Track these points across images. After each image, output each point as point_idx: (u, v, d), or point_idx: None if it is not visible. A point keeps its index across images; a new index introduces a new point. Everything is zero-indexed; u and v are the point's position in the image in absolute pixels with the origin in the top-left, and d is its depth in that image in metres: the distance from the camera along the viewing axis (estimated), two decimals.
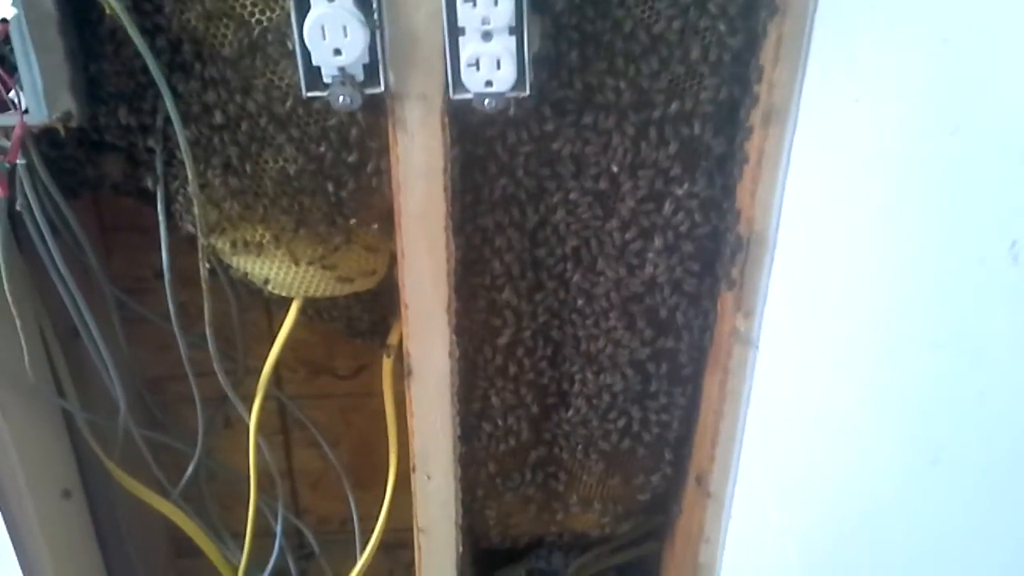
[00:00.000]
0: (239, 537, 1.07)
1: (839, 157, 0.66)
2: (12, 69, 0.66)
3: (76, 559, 0.96)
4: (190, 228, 0.78)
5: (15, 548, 0.86)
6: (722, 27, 0.70)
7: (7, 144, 0.67)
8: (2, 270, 0.75)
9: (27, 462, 0.83)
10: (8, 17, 0.61)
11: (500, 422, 0.88)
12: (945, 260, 0.54)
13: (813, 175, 0.70)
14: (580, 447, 0.91)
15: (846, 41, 0.64)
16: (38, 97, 0.67)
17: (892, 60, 0.58)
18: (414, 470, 0.86)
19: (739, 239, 0.76)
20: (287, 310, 0.85)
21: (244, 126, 0.72)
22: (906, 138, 0.57)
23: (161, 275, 0.81)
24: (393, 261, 0.83)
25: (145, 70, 0.68)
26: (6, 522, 0.83)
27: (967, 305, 0.52)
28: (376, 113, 0.71)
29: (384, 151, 0.73)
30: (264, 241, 0.78)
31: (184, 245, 0.81)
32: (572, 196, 0.77)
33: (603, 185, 0.76)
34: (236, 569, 1.05)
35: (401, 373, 0.85)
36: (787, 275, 0.75)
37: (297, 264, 0.79)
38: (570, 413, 0.88)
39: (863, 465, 0.66)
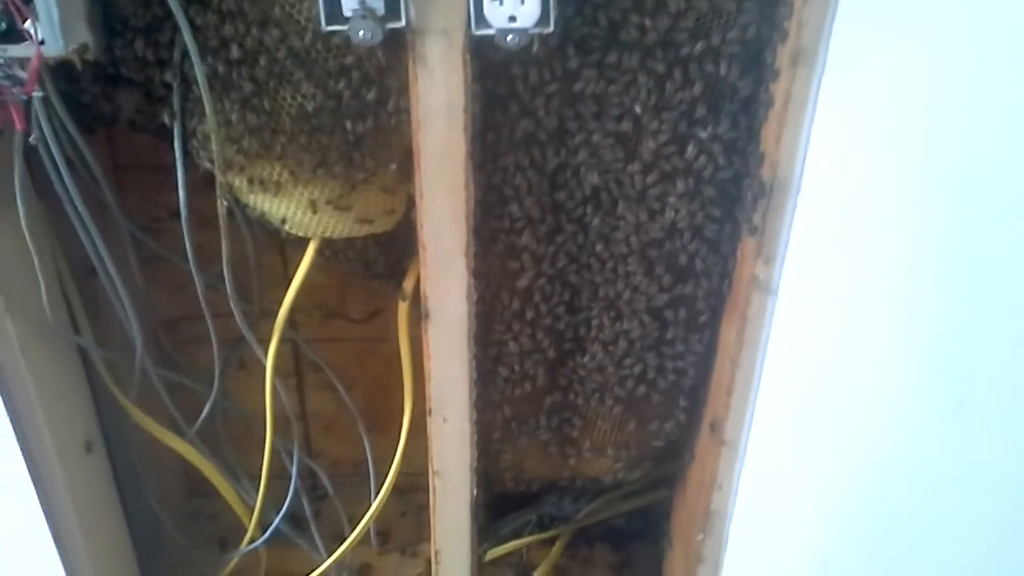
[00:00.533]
0: (253, 478, 1.08)
1: (868, 101, 0.65)
2: (26, 1, 0.65)
3: (94, 496, 0.97)
4: (207, 165, 0.78)
5: (38, 495, 0.87)
6: None
7: (23, 75, 0.66)
8: (19, 205, 0.75)
9: (46, 402, 0.84)
10: None
11: (516, 367, 0.88)
12: (974, 205, 0.53)
13: (841, 119, 0.69)
14: (595, 393, 0.91)
15: None
16: (54, 28, 0.65)
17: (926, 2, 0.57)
18: (430, 413, 0.87)
19: (762, 184, 0.75)
20: (303, 252, 0.85)
21: (262, 61, 0.71)
22: (939, 82, 0.56)
23: (177, 214, 0.81)
24: (411, 202, 0.82)
25: (162, 1, 0.67)
26: (26, 460, 0.84)
27: (995, 255, 0.51)
28: (396, 49, 0.70)
29: (404, 89, 0.72)
30: (282, 179, 0.77)
31: (200, 184, 0.81)
32: (594, 137, 0.76)
33: (625, 126, 0.75)
34: (250, 509, 1.07)
35: (417, 317, 0.84)
36: (810, 222, 0.74)
37: (314, 204, 0.78)
38: (586, 359, 0.88)
39: (882, 416, 0.66)
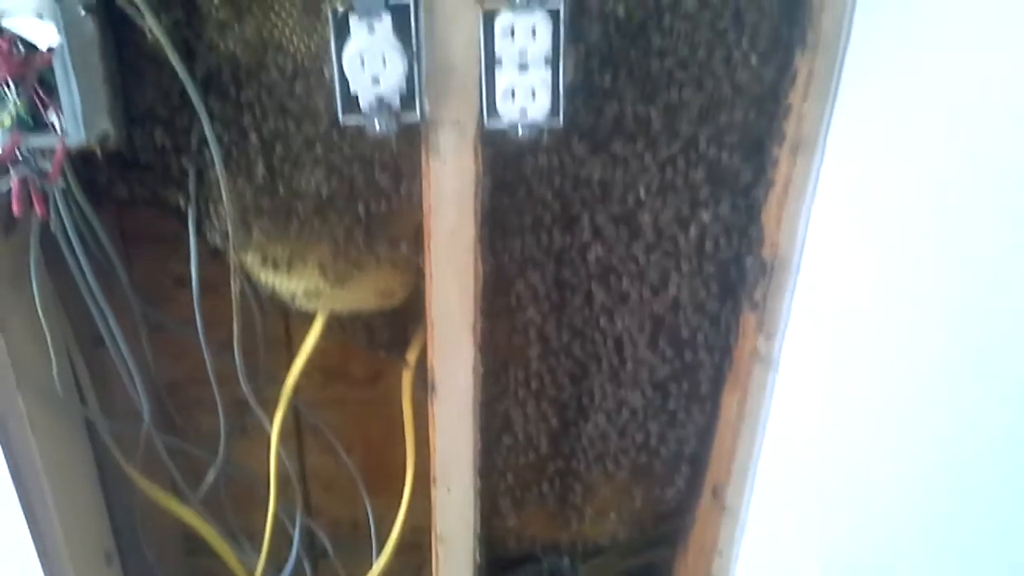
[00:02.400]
0: (251, 537, 1.09)
1: (866, 185, 0.67)
2: (51, 91, 0.66)
3: (94, 557, 0.97)
4: (218, 244, 0.79)
5: (39, 557, 0.87)
6: (753, 60, 0.71)
7: (45, 164, 0.67)
8: (34, 288, 0.76)
9: (52, 473, 0.84)
10: (53, 46, 0.61)
11: (520, 435, 0.90)
12: (973, 282, 0.55)
13: (839, 202, 0.72)
14: (598, 460, 0.92)
15: (878, 75, 0.65)
16: (77, 119, 0.67)
17: (924, 93, 0.60)
18: (434, 482, 0.88)
19: (763, 264, 0.77)
20: (308, 319, 0.86)
21: (278, 148, 0.72)
22: (934, 169, 0.59)
23: (181, 284, 0.82)
24: (417, 277, 0.84)
25: (182, 93, 0.69)
26: (30, 527, 0.84)
27: (994, 330, 0.53)
28: (410, 138, 0.72)
29: (416, 175, 0.74)
30: (294, 259, 0.78)
31: (204, 254, 0.82)
32: (599, 219, 0.78)
33: (630, 209, 0.77)
34: (248, 569, 1.07)
35: (419, 382, 0.86)
36: (810, 298, 0.76)
37: (325, 281, 0.80)
38: (589, 427, 0.90)
39: (884, 486, 0.68)
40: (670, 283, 0.81)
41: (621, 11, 0.69)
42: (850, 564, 0.73)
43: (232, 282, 0.78)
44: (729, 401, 0.86)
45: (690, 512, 0.99)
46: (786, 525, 0.83)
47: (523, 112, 0.68)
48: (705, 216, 0.77)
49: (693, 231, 0.78)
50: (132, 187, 0.78)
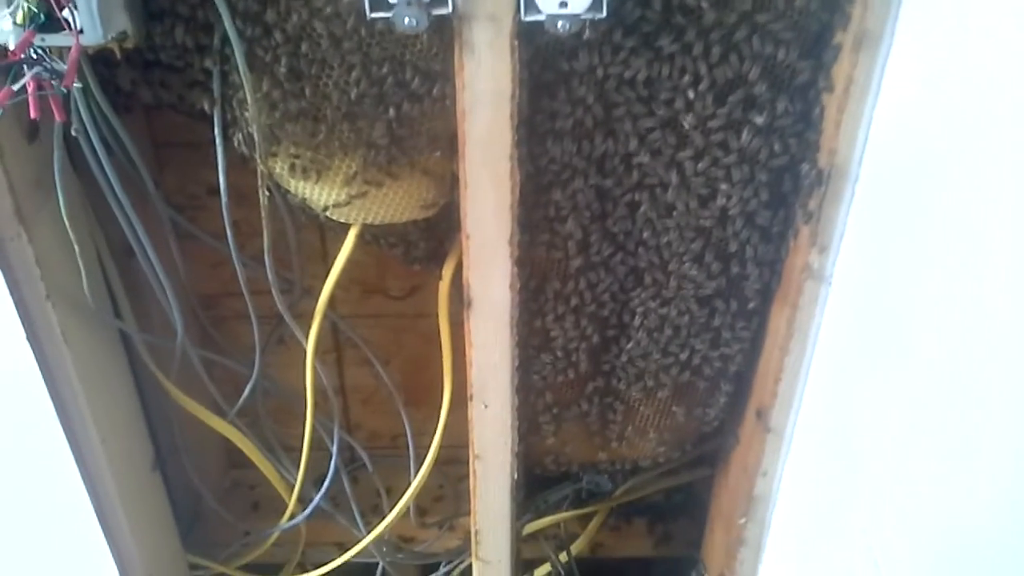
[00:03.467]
0: (290, 451, 1.09)
1: (937, 86, 0.62)
2: None
3: (136, 475, 0.98)
4: (245, 151, 0.76)
5: (81, 473, 0.87)
6: None
7: (61, 65, 0.64)
8: (59, 195, 0.74)
9: (89, 387, 0.84)
10: None
11: (559, 353, 0.87)
12: None
13: (907, 104, 0.66)
14: (639, 379, 0.89)
15: None
16: (93, 16, 0.64)
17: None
18: (471, 399, 0.86)
19: (819, 172, 0.72)
20: (343, 233, 0.84)
21: (304, 47, 0.69)
22: (1018, 70, 0.53)
23: (214, 191, 0.79)
24: (452, 186, 0.80)
25: None
26: (69, 441, 0.85)
27: None
28: (442, 35, 0.67)
29: (449, 75, 0.69)
30: (323, 166, 0.75)
31: (237, 161, 0.79)
32: (644, 123, 0.73)
33: (677, 112, 0.72)
34: (288, 484, 1.07)
35: (456, 296, 0.83)
36: (868, 210, 0.71)
37: (356, 190, 0.77)
38: (630, 345, 0.87)
39: (935, 410, 0.64)
40: (719, 193, 0.76)
41: None
42: (900, 490, 0.70)
43: (260, 191, 0.75)
44: (777, 318, 0.82)
45: (732, 432, 0.96)
46: (834, 448, 0.80)
47: (563, 3, 0.63)
48: (758, 119, 0.72)
49: (745, 136, 0.73)
50: (156, 90, 0.75)
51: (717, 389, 0.91)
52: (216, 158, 0.76)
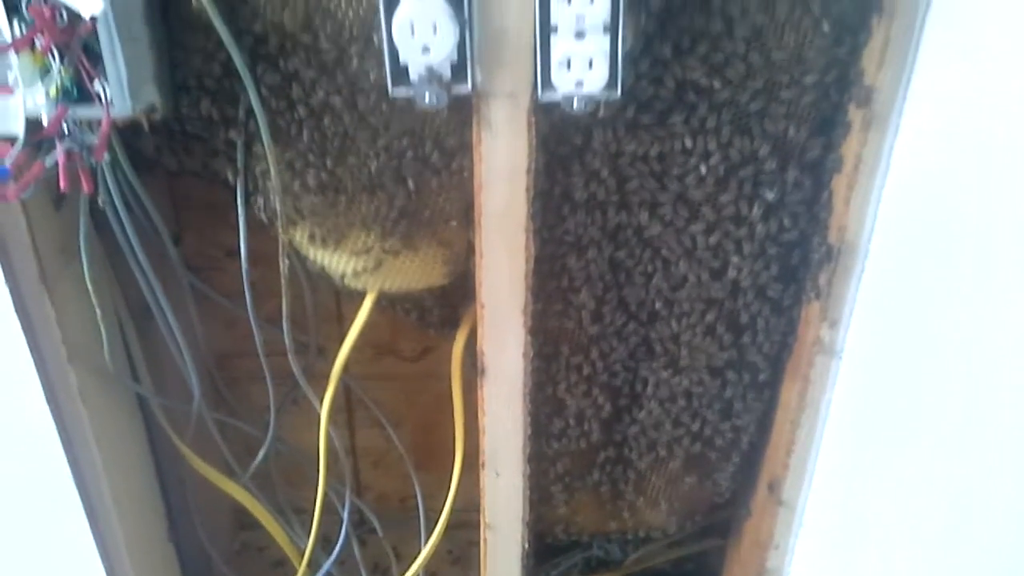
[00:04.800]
0: (300, 512, 1.09)
1: (944, 166, 0.63)
2: (96, 60, 0.65)
3: (147, 534, 0.98)
4: (265, 219, 0.78)
5: (92, 531, 0.87)
6: (825, 26, 0.66)
7: (91, 138, 0.66)
8: (84, 261, 0.75)
9: (105, 449, 0.84)
10: (96, 14, 0.60)
11: (572, 422, 0.87)
12: None
13: (914, 182, 0.67)
14: (651, 449, 0.89)
15: (959, 44, 0.61)
16: (123, 89, 0.66)
17: (1010, 68, 0.55)
18: (483, 467, 0.86)
19: (829, 248, 0.73)
20: (358, 294, 0.85)
21: (326, 120, 0.70)
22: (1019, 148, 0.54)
23: (233, 253, 0.81)
24: (467, 255, 0.82)
25: (229, 61, 0.67)
26: (84, 505, 0.85)
27: None
28: (460, 111, 0.69)
29: (467, 149, 0.71)
30: (342, 235, 0.77)
31: (256, 224, 0.81)
32: (657, 197, 0.75)
33: (689, 187, 0.74)
34: (298, 548, 1.07)
35: (469, 360, 0.84)
36: (879, 285, 0.72)
37: (373, 260, 0.78)
38: (642, 415, 0.87)
39: (951, 484, 0.64)
40: (730, 266, 0.77)
41: None
42: (912, 565, 0.69)
43: (281, 259, 0.76)
44: (789, 391, 0.82)
45: (744, 504, 0.95)
46: (846, 521, 0.80)
47: (579, 83, 0.64)
48: (769, 195, 0.73)
49: (756, 211, 0.74)
50: (180, 157, 0.77)
51: (728, 460, 0.91)
52: (237, 222, 0.78)
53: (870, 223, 0.72)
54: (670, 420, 0.86)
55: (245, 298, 0.83)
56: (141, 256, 0.79)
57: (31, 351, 0.76)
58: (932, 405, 0.65)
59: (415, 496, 1.09)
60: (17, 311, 0.73)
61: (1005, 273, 0.56)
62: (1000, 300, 0.57)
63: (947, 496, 0.65)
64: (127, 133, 0.74)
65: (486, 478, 0.87)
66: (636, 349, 0.84)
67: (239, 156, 0.74)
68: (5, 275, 0.72)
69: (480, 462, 0.86)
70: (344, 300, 1.07)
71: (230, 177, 0.76)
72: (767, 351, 0.82)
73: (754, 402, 0.85)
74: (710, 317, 0.80)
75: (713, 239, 0.76)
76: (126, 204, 0.76)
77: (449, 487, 0.97)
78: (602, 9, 0.61)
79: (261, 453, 0.98)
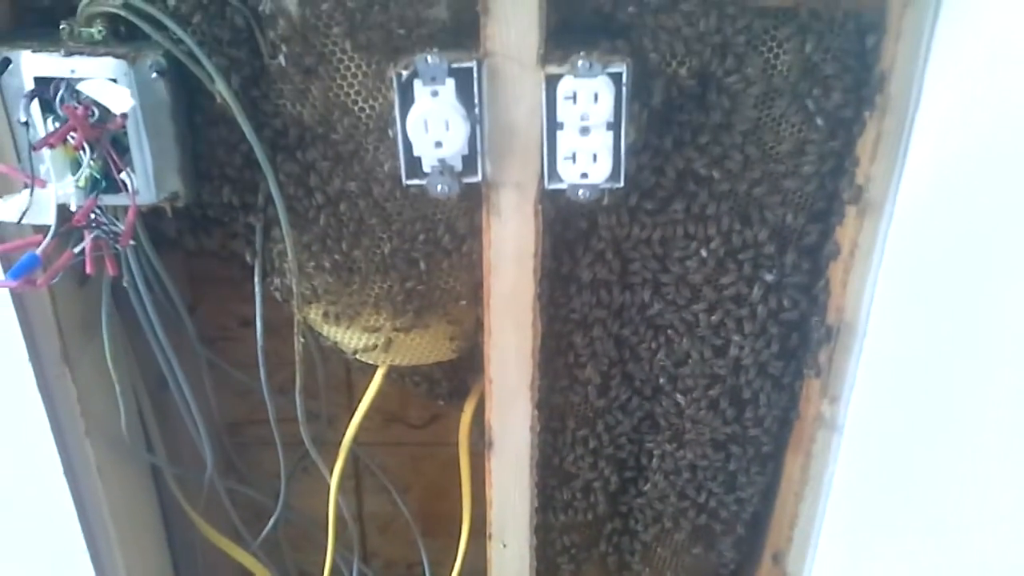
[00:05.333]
0: None
1: (937, 249, 0.65)
2: (123, 151, 0.68)
3: None
4: (280, 297, 0.81)
5: None
6: (819, 121, 0.70)
7: (118, 226, 0.69)
8: (105, 339, 0.78)
9: (119, 520, 0.86)
10: (127, 111, 0.63)
11: (579, 494, 0.89)
12: None
13: (909, 265, 0.70)
14: (656, 521, 0.91)
15: (946, 140, 0.64)
16: (148, 179, 0.69)
17: (997, 156, 0.58)
18: (490, 538, 0.87)
19: (828, 329, 0.75)
20: (369, 369, 0.87)
21: (343, 207, 0.73)
22: (1010, 235, 0.57)
23: (246, 324, 0.85)
24: (476, 330, 0.84)
25: (250, 152, 0.70)
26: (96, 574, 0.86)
27: None
28: (471, 198, 0.72)
29: (477, 234, 0.74)
30: (355, 313, 0.79)
31: (269, 297, 0.83)
32: (659, 278, 0.77)
33: (691, 269, 0.76)
34: None
35: (476, 429, 0.86)
36: (877, 362, 0.74)
37: (385, 336, 0.81)
38: (648, 487, 0.88)
39: (954, 559, 0.65)
40: (732, 344, 0.79)
41: (684, 72, 0.68)
42: None
43: (296, 339, 0.79)
44: (792, 464, 0.84)
45: (749, 574, 0.96)
46: None
47: (584, 175, 0.67)
48: (768, 277, 0.76)
49: (756, 292, 0.77)
50: (200, 239, 0.80)
51: (733, 531, 0.92)
52: (250, 294, 0.80)
53: (867, 304, 0.74)
54: (675, 492, 0.88)
55: (257, 368, 0.86)
56: (159, 331, 0.81)
57: (51, 426, 0.78)
58: (933, 479, 0.67)
59: (422, 563, 1.10)
60: (40, 389, 0.75)
61: (997, 350, 0.58)
62: (994, 375, 0.59)
63: (950, 570, 0.66)
64: (149, 216, 0.77)
65: (493, 549, 0.88)
66: (641, 423, 0.86)
67: (257, 239, 0.76)
68: (30, 355, 0.74)
69: (487, 533, 0.88)
70: (354, 370, 1.09)
71: (248, 258, 0.78)
72: (769, 425, 0.83)
73: (757, 475, 0.87)
74: (713, 393, 0.82)
75: (715, 318, 0.78)
76: (146, 282, 0.79)
77: (456, 554, 0.98)
78: (605, 108, 0.64)
79: (271, 521, 0.99)
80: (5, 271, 0.69)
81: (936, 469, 0.66)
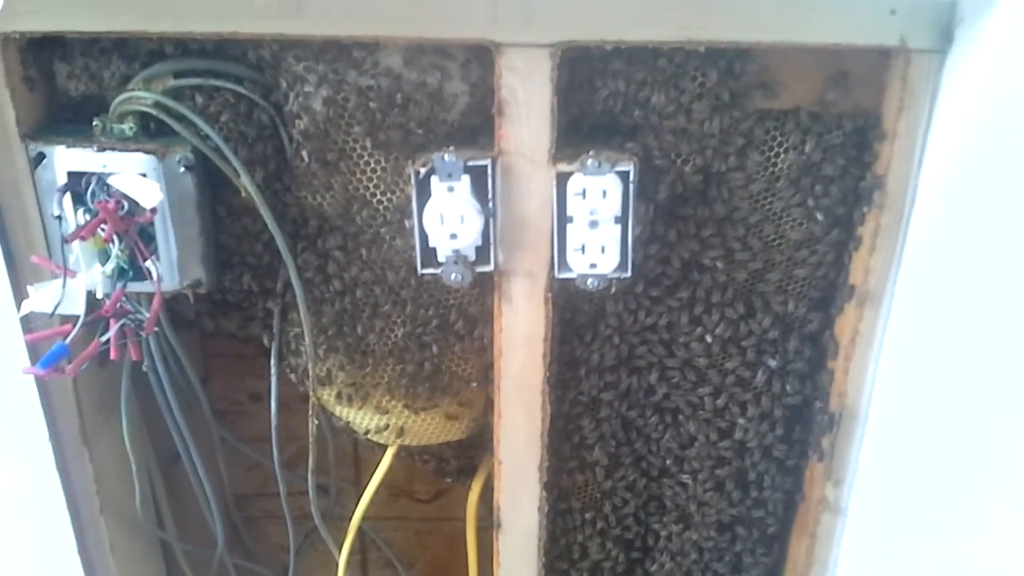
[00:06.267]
0: None
1: (937, 337, 0.67)
2: (149, 240, 0.71)
3: None
4: (295, 379, 0.83)
5: None
6: (819, 216, 0.72)
7: (143, 313, 0.71)
8: (124, 420, 0.80)
9: None
10: (156, 205, 0.66)
11: (585, 574, 0.89)
12: None
13: (909, 353, 0.71)
14: None
15: (945, 232, 0.66)
16: (172, 267, 0.71)
17: (994, 247, 0.60)
18: None
19: (831, 414, 0.77)
20: (380, 447, 0.88)
21: (359, 293, 0.76)
22: (1008, 324, 0.59)
23: (256, 398, 0.89)
24: (486, 411, 0.86)
25: (271, 241, 0.73)
26: None
27: None
28: (483, 285, 0.74)
29: (487, 319, 0.76)
30: (367, 395, 0.81)
31: (282, 374, 0.85)
32: (665, 363, 0.79)
33: (696, 354, 0.78)
34: None
35: (483, 506, 0.87)
36: (880, 447, 0.76)
37: (397, 417, 0.82)
38: (654, 568, 0.89)
39: None
40: (736, 427, 0.81)
41: (688, 169, 0.71)
42: None
43: (310, 420, 0.81)
44: (797, 547, 0.85)
45: None
46: None
47: (593, 265, 0.70)
48: (772, 363, 0.78)
49: (760, 377, 0.79)
50: (218, 321, 0.83)
51: None
52: (262, 369, 0.83)
53: (868, 390, 0.76)
54: (682, 573, 0.89)
55: (265, 443, 0.87)
56: (175, 408, 0.83)
57: (67, 504, 0.80)
58: (938, 564, 0.68)
59: None
60: (59, 469, 0.77)
61: (999, 434, 0.60)
62: (997, 458, 0.60)
63: None
64: (169, 299, 0.80)
65: None
66: (648, 504, 0.87)
67: (275, 323, 0.79)
68: (50, 435, 0.76)
69: None
70: (362, 444, 1.11)
71: (266, 341, 0.80)
72: (774, 507, 0.85)
73: (763, 556, 0.88)
74: (719, 474, 0.83)
75: (720, 401, 0.80)
76: (164, 362, 0.80)
77: None
78: (613, 203, 0.67)
79: None
80: (32, 357, 0.71)
81: (941, 554, 0.67)
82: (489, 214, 0.69)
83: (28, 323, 0.70)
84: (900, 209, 0.69)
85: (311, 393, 0.79)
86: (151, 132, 0.70)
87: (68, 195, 0.68)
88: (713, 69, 0.67)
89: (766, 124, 0.70)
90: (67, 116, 0.72)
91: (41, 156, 0.68)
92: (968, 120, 0.63)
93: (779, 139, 0.70)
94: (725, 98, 0.68)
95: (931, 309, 0.68)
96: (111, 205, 0.66)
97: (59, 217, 0.67)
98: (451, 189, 0.67)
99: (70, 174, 0.68)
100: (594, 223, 0.68)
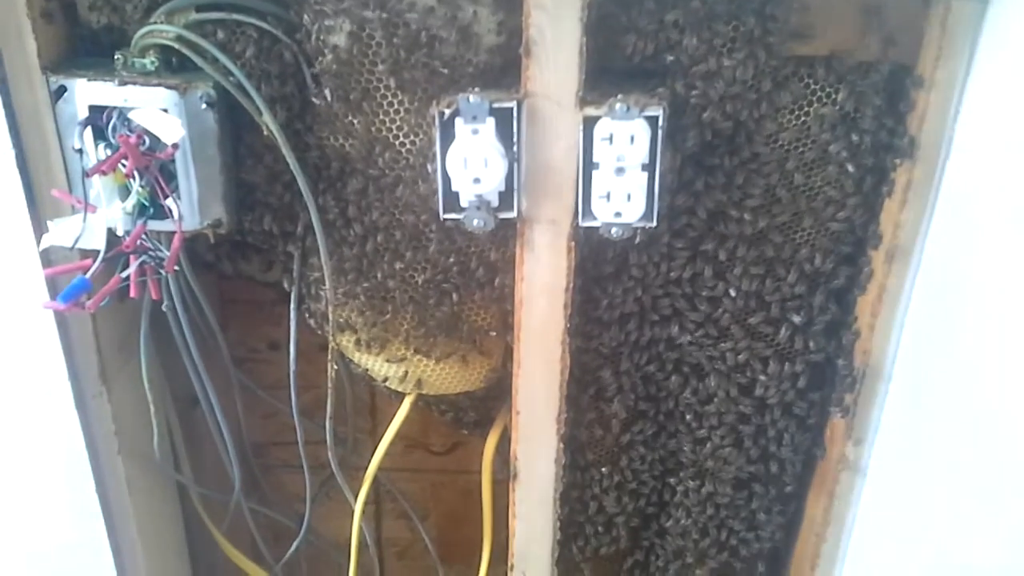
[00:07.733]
0: None
1: (966, 295, 0.66)
2: (170, 178, 0.70)
3: None
4: (314, 324, 0.82)
5: None
6: (850, 167, 0.71)
7: (163, 251, 0.71)
8: (143, 362, 0.80)
9: (146, 538, 0.87)
10: (178, 141, 0.65)
11: (600, 528, 0.89)
12: None
13: (937, 310, 0.70)
14: (677, 556, 0.91)
15: (979, 188, 0.65)
16: (193, 206, 0.71)
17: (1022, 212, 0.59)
18: (511, 569, 0.88)
19: (854, 371, 0.76)
20: (397, 396, 0.88)
21: (380, 237, 0.75)
22: None
23: (274, 347, 0.89)
24: (504, 361, 0.85)
25: (292, 182, 0.72)
26: None
27: None
28: (505, 232, 0.74)
29: (509, 267, 0.75)
30: (387, 341, 0.81)
31: (301, 322, 0.85)
32: (688, 316, 0.78)
33: (719, 308, 0.77)
34: None
35: (499, 459, 0.87)
36: (903, 406, 0.75)
37: (416, 364, 0.82)
38: (669, 523, 0.89)
39: None
40: (757, 383, 0.80)
41: (719, 117, 0.70)
42: None
43: (329, 366, 0.80)
44: (814, 506, 0.84)
45: None
46: None
47: (618, 214, 0.68)
48: (796, 319, 0.77)
49: (783, 333, 0.77)
50: (237, 264, 0.82)
51: (754, 569, 0.92)
52: (280, 317, 0.82)
53: (894, 347, 0.75)
54: (697, 529, 0.88)
55: (284, 390, 0.87)
56: (194, 350, 0.83)
57: (86, 443, 0.80)
58: (955, 525, 0.67)
59: None
60: (77, 408, 0.77)
61: (1021, 399, 0.59)
62: (1019, 421, 0.59)
63: None
64: (188, 241, 0.79)
65: None
66: (665, 459, 0.87)
67: (295, 267, 0.78)
68: (69, 373, 0.76)
69: (508, 563, 0.88)
70: (379, 394, 1.11)
71: (286, 285, 0.80)
72: (792, 465, 0.84)
73: (779, 515, 0.87)
74: (738, 431, 0.82)
75: (742, 357, 0.79)
76: (184, 305, 0.80)
77: None
78: (641, 149, 0.66)
79: (295, 545, 1.00)
80: (51, 293, 0.71)
81: (958, 515, 0.67)
82: (513, 158, 0.67)
83: (48, 257, 0.70)
84: (933, 162, 0.68)
85: (330, 338, 0.79)
86: (173, 67, 0.70)
87: (89, 129, 0.67)
88: (748, 12, 0.65)
89: (800, 71, 0.68)
90: (88, 49, 0.72)
91: (62, 89, 0.68)
92: (1009, 73, 0.61)
93: (812, 87, 0.69)
94: (759, 43, 0.66)
95: (962, 267, 0.67)
96: (132, 139, 0.65)
97: (80, 150, 0.67)
98: (475, 132, 0.66)
99: (91, 108, 0.67)
100: (620, 170, 0.67)
